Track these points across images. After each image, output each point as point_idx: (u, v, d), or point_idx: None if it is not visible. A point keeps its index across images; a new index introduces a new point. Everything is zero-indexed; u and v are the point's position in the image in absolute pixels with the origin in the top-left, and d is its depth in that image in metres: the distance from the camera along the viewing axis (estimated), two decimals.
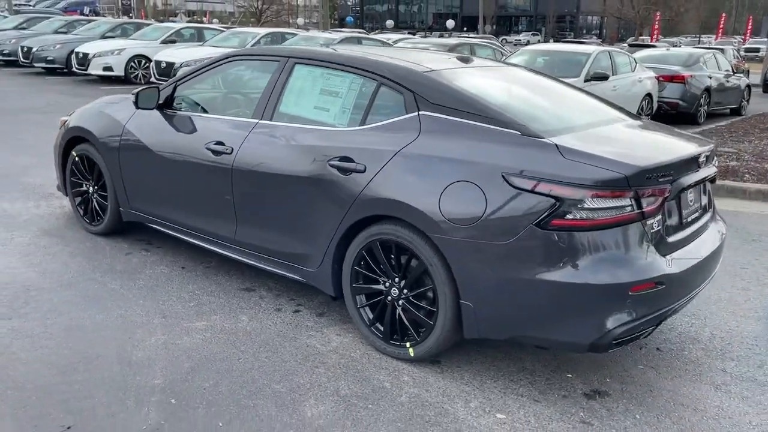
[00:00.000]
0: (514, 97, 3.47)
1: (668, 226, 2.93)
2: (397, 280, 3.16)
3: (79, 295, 3.81)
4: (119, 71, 14.84)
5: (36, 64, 16.23)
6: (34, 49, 16.07)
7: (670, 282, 2.79)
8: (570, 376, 3.16)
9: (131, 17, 49.14)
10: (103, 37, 16.71)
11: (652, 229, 2.81)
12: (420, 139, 3.09)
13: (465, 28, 59.55)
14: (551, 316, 2.78)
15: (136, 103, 4.11)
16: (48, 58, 15.96)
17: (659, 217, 2.84)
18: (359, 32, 23.60)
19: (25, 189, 5.95)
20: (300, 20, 48.72)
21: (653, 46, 19.52)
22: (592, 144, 2.92)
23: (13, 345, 3.20)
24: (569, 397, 2.98)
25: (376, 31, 45.26)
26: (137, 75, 15.14)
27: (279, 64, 3.75)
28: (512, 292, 2.80)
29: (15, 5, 40.02)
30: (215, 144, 3.77)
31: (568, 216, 2.67)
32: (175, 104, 4.20)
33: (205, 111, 4.13)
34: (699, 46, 29.18)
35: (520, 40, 58.70)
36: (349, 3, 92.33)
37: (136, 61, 15.07)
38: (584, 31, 76.36)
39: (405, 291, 3.14)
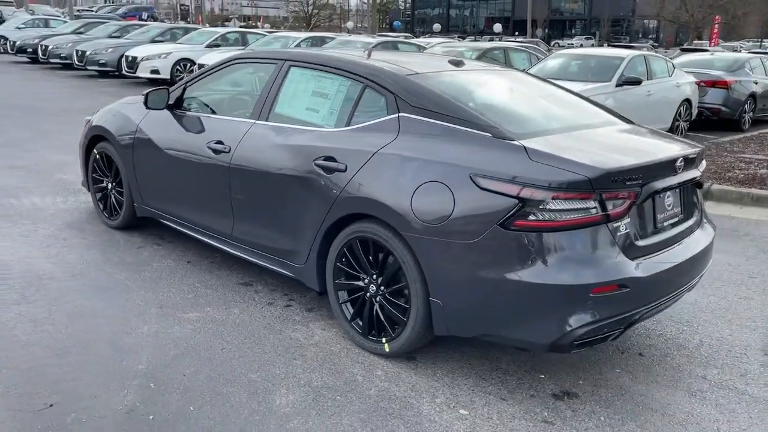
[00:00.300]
0: (495, 101, 3.52)
1: (639, 230, 2.94)
2: (374, 277, 3.25)
3: (87, 284, 4.03)
4: (165, 74, 15.36)
5: (89, 67, 16.95)
6: (87, 53, 16.79)
7: (635, 285, 2.80)
8: (543, 376, 3.19)
9: (188, 22, 50.64)
10: (153, 41, 17.33)
11: (619, 231, 2.82)
12: (398, 140, 3.17)
13: (516, 32, 58.99)
14: (514, 314, 2.83)
15: (145, 103, 4.32)
16: (100, 62, 16.64)
17: (627, 220, 2.85)
18: (395, 36, 23.72)
19: (57, 185, 6.28)
20: (350, 24, 49.18)
21: (706, 51, 18.98)
22: (564, 147, 2.95)
23: (17, 328, 3.42)
24: (537, 396, 3.01)
25: (426, 35, 45.39)
26: (182, 78, 15.64)
27: (276, 67, 3.89)
28: (477, 290, 2.86)
29: (78, 10, 41.76)
30: (216, 143, 3.94)
31: (531, 217, 2.72)
32: (184, 105, 4.40)
33: (211, 111, 4.31)
34: (757, 51, 28.17)
35: (572, 44, 57.81)
36: (401, 7, 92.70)
37: (181, 64, 15.56)
38: (640, 35, 74.65)
39: (382, 288, 3.23)
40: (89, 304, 3.75)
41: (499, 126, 3.02)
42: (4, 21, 29.60)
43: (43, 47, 18.71)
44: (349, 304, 3.42)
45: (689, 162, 3.22)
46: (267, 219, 3.71)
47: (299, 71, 3.79)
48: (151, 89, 4.37)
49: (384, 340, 3.24)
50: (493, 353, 3.36)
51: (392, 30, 53.45)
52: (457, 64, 3.82)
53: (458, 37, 45.21)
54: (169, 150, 4.30)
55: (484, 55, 11.46)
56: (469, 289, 2.88)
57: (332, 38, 14.73)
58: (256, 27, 46.24)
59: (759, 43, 48.46)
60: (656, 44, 55.46)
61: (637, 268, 2.83)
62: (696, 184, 3.38)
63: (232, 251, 4.03)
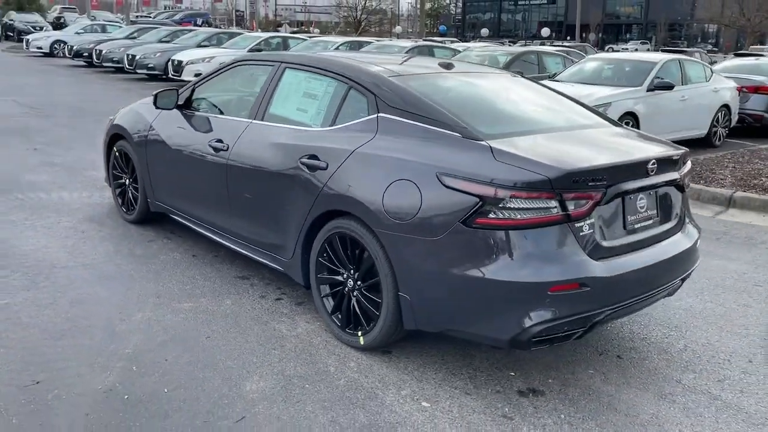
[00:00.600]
0: (474, 103, 3.58)
1: (606, 230, 2.95)
2: (352, 272, 3.35)
3: (95, 274, 4.26)
4: None
5: (138, 71, 17.59)
6: (137, 57, 17.43)
7: (597, 285, 2.82)
8: (513, 374, 3.23)
9: (242, 28, 51.74)
10: (199, 45, 17.87)
11: (582, 231, 2.84)
12: (375, 140, 3.27)
13: (568, 37, 58.13)
14: (476, 310, 2.88)
15: (154, 103, 4.53)
16: (149, 65, 17.26)
17: (591, 220, 2.87)
18: (441, 40, 23.70)
19: (86, 181, 6.60)
20: (398, 29, 49.45)
21: (762, 56, 18.35)
22: (532, 148, 3.00)
23: (22, 312, 3.66)
24: (502, 392, 3.06)
25: (475, 40, 45.21)
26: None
27: (273, 68, 4.04)
28: (442, 286, 2.93)
29: (137, 16, 43.27)
30: (216, 141, 4.12)
31: (491, 215, 2.77)
32: (193, 105, 4.60)
33: (218, 111, 4.49)
34: None
35: (626, 48, 56.58)
36: (452, 12, 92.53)
37: None
38: (698, 40, 72.43)
39: (358, 283, 3.32)
40: (93, 292, 3.97)
41: (469, 126, 3.09)
42: (66, 26, 31.01)
43: (98, 51, 19.52)
44: (330, 298, 3.53)
45: (666, 164, 3.22)
46: (259, 215, 3.86)
47: (293, 73, 3.94)
48: (160, 90, 4.58)
49: (359, 333, 3.33)
50: (468, 350, 3.42)
51: (438, 34, 53.46)
52: (447, 66, 3.90)
53: (508, 41, 44.91)
54: (177, 147, 4.50)
55: (516, 60, 11.42)
56: (434, 284, 2.96)
57: (370, 42, 14.92)
58: (307, 32, 47.00)
59: None
60: (715, 49, 53.72)
61: (600, 268, 2.85)
62: (677, 186, 3.36)
63: (231, 246, 4.20)
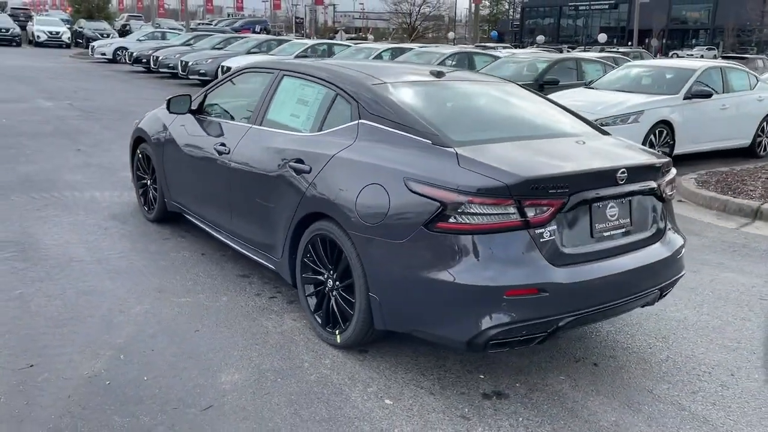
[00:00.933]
0: (454, 110, 3.65)
1: (570, 237, 2.98)
2: (331, 272, 3.48)
3: (108, 268, 4.52)
4: None
5: (191, 76, 18.23)
6: (189, 63, 18.08)
7: (556, 291, 2.85)
8: (482, 377, 3.28)
9: (302, 35, 52.80)
10: (249, 52, 18.39)
11: (543, 238, 2.88)
12: (353, 145, 3.39)
13: (630, 42, 56.73)
14: (436, 312, 2.96)
15: (167, 108, 4.78)
16: (200, 71, 17.86)
17: (553, 227, 2.91)
18: (485, 46, 23.61)
19: (118, 181, 6.95)
20: (451, 35, 49.44)
21: None
22: (499, 155, 3.06)
23: (32, 301, 3.93)
24: (467, 394, 3.12)
25: (532, 46, 44.72)
26: None
27: (273, 76, 4.22)
28: (406, 287, 3.02)
29: (198, 24, 44.67)
30: (220, 145, 4.32)
31: (451, 219, 2.85)
32: (205, 110, 4.83)
33: (225, 116, 4.70)
34: None
35: (692, 54, 54.84)
36: (510, 18, 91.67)
37: None
38: None
39: (337, 283, 3.45)
40: (101, 285, 4.22)
41: (440, 133, 3.17)
42: (131, 33, 32.33)
43: (154, 58, 20.33)
44: (313, 297, 3.66)
45: (641, 173, 3.22)
46: (254, 216, 4.03)
47: (289, 80, 4.10)
48: (173, 95, 4.83)
49: (337, 332, 3.45)
50: (442, 352, 3.48)
51: (490, 40, 53.11)
52: (437, 74, 3.98)
53: (567, 47, 44.22)
54: (187, 150, 4.74)
55: (553, 67, 11.33)
56: (399, 285, 3.05)
57: (411, 49, 15.05)
58: (363, 38, 47.52)
59: None
60: None
61: (560, 275, 2.89)
62: (656, 196, 3.35)
63: (232, 245, 4.39)
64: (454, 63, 13.61)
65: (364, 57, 15.03)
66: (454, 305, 2.89)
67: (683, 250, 3.54)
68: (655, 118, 8.66)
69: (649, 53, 29.68)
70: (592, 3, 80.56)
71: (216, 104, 4.79)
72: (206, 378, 3.17)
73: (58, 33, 35.08)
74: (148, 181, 5.54)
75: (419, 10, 52.22)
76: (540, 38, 40.70)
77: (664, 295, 3.53)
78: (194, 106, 4.84)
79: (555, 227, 2.92)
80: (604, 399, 3.12)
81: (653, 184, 3.29)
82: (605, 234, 3.12)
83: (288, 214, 3.67)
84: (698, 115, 9.11)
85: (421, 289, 2.96)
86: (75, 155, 8.28)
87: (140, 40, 25.65)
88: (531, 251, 2.86)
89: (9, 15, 39.39)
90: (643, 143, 8.58)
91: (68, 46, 35.11)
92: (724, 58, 26.85)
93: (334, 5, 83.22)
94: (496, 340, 2.86)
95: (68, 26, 37.23)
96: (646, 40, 58.80)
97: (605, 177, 3.06)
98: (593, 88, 9.96)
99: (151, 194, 5.54)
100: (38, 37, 34.90)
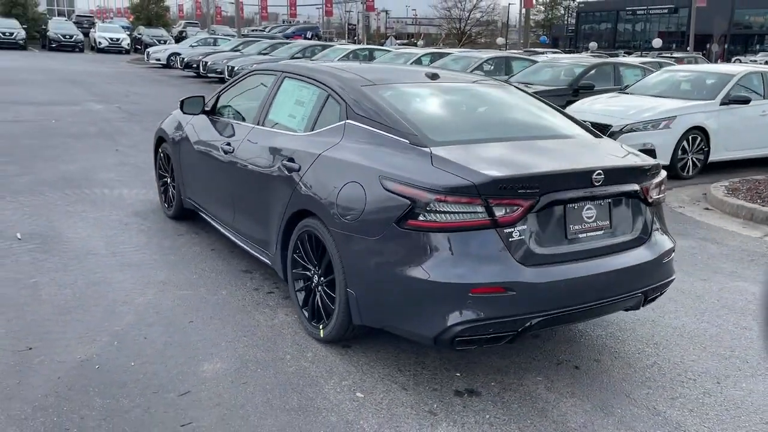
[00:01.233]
0: (438, 112, 3.70)
1: (542, 238, 2.99)
2: (317, 268, 3.57)
3: (120, 261, 4.73)
4: None
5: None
6: (235, 68, 18.52)
7: (524, 290, 2.87)
8: (458, 375, 3.31)
9: (355, 41, 53.38)
10: (292, 57, 18.72)
11: (512, 237, 2.90)
12: (339, 144, 3.48)
13: (688, 48, 55.12)
14: (406, 308, 3.02)
15: (181, 109, 4.97)
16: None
17: (523, 227, 2.92)
18: (534, 51, 23.37)
19: (147, 180, 7.22)
20: (500, 40, 49.09)
21: None
22: (474, 155, 3.10)
23: (44, 290, 4.16)
24: (439, 391, 3.16)
25: (586, 52, 43.88)
26: None
27: (275, 78, 4.36)
28: (379, 283, 3.09)
29: (252, 30, 45.66)
30: (226, 144, 4.48)
31: (420, 217, 2.90)
32: (217, 110, 5.00)
33: (233, 116, 4.86)
34: None
35: (755, 60, 52.90)
36: (565, 23, 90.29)
37: None
38: None
39: (321, 278, 3.54)
40: (111, 277, 4.43)
41: (419, 134, 3.22)
42: (187, 39, 33.33)
43: (204, 63, 20.93)
44: (301, 292, 3.76)
45: (621, 176, 3.20)
46: (252, 212, 4.17)
47: (289, 82, 4.22)
48: (187, 96, 5.02)
49: (320, 326, 3.54)
50: (424, 350, 3.52)
51: (540, 45, 52.46)
52: (432, 77, 4.02)
53: (623, 53, 43.27)
54: (199, 149, 4.92)
55: (589, 72, 11.17)
56: (373, 281, 3.12)
57: (449, 53, 15.07)
58: (415, 44, 47.69)
59: None
60: None
61: (529, 274, 2.90)
62: (641, 199, 3.32)
63: (235, 240, 4.54)
64: (491, 68, 13.57)
65: (404, 61, 15.12)
66: (422, 301, 2.94)
67: (672, 255, 3.49)
68: (688, 124, 8.46)
69: (704, 59, 28.78)
70: (650, 7, 78.54)
71: (226, 105, 4.96)
72: (190, 366, 3.30)
73: (118, 39, 36.47)
74: (168, 180, 5.76)
75: (469, 16, 52.07)
76: (592, 45, 39.83)
77: (652, 300, 3.48)
78: (208, 107, 5.02)
79: (525, 227, 2.93)
80: (577, 401, 3.11)
81: (636, 187, 3.26)
82: (581, 235, 3.11)
83: (280, 211, 3.78)
84: (736, 122, 8.84)
85: (392, 285, 3.03)
86: (113, 155, 8.64)
87: (193, 46, 26.43)
88: (499, 250, 2.89)
89: (74, 22, 41.12)
90: (675, 150, 8.41)
91: (127, 52, 36.45)
92: None
93: (386, 11, 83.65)
94: (462, 336, 2.89)
95: (128, 33, 38.67)
96: (707, 46, 56.98)
97: (579, 178, 3.06)
98: (628, 93, 9.78)
99: (170, 192, 5.76)
100: (99, 43, 36.37)
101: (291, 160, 3.72)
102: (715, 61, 35.32)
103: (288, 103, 4.18)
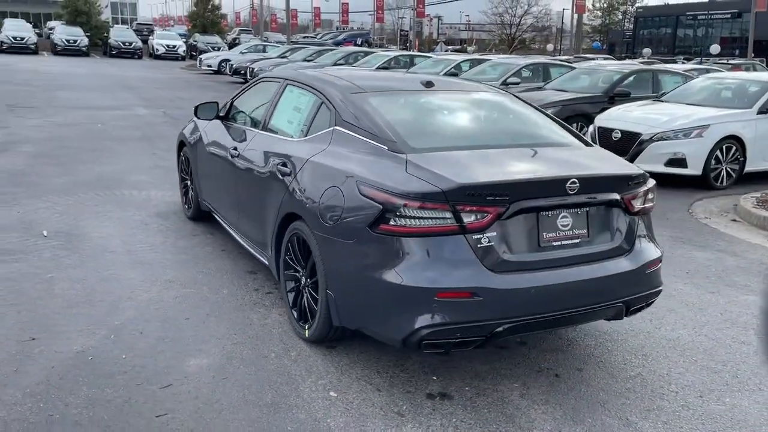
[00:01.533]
0: (424, 119, 3.76)
1: (513, 245, 3.01)
2: (304, 270, 3.67)
3: (133, 259, 4.95)
4: None
5: None
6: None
7: (491, 296, 2.90)
8: (435, 378, 3.36)
9: (407, 47, 53.67)
10: (335, 63, 18.99)
11: (481, 243, 2.94)
12: (326, 150, 3.58)
13: (753, 54, 53.09)
14: (377, 310, 3.09)
15: (195, 114, 5.17)
16: None
17: (492, 233, 2.95)
18: (584, 57, 22.99)
19: (175, 182, 7.45)
20: (549, 46, 48.43)
21: None
22: (447, 161, 3.14)
23: (58, 285, 4.39)
24: (412, 393, 3.21)
25: (640, 58, 42.85)
26: None
27: (279, 85, 4.50)
28: (354, 285, 3.17)
29: (304, 36, 46.38)
30: (233, 149, 4.65)
31: (391, 222, 2.97)
32: (230, 116, 5.18)
33: (242, 122, 5.02)
34: None
35: None
36: (622, 28, 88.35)
37: None
38: None
39: (307, 280, 3.64)
40: (122, 274, 4.64)
41: (399, 141, 3.29)
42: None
43: (250, 69, 21.41)
44: (292, 293, 3.87)
45: (597, 185, 3.19)
46: (252, 214, 4.32)
47: (290, 89, 4.35)
48: (202, 102, 5.22)
49: (306, 326, 3.64)
50: (406, 353, 3.57)
51: (592, 51, 51.55)
52: (427, 84, 4.08)
53: (682, 59, 42.02)
54: (212, 153, 5.11)
55: (627, 79, 10.96)
56: (348, 284, 3.20)
57: (488, 60, 15.02)
58: (465, 51, 47.57)
59: None
60: None
61: (497, 281, 2.93)
62: (623, 209, 3.29)
63: (240, 241, 4.70)
64: (529, 74, 13.47)
65: (443, 67, 15.15)
66: (391, 304, 3.00)
67: (658, 265, 3.45)
68: (722, 133, 8.23)
69: (763, 66, 27.69)
70: (711, 12, 76.10)
71: (237, 111, 5.13)
72: (177, 360, 3.44)
73: (174, 46, 37.65)
74: (188, 182, 5.98)
75: (520, 21, 51.61)
76: (646, 51, 38.75)
77: (635, 311, 3.45)
78: (222, 113, 5.20)
79: (495, 234, 2.96)
80: (548, 409, 3.11)
81: (616, 197, 3.24)
82: (555, 243, 3.12)
83: (274, 214, 3.91)
84: None
85: (364, 288, 3.10)
86: (149, 158, 8.98)
87: (243, 53, 27.07)
88: (467, 256, 2.92)
89: (134, 30, 42.68)
90: (708, 159, 8.19)
91: (183, 58, 37.56)
92: None
93: (439, 18, 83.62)
94: (429, 340, 2.94)
95: (184, 40, 39.84)
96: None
97: (552, 186, 3.06)
98: (663, 101, 9.58)
99: (190, 194, 5.97)
100: (157, 50, 37.62)
101: (284, 164, 3.84)
102: None
103: (288, 109, 4.30)
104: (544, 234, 3.09)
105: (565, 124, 4.00)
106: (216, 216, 5.33)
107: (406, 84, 4.17)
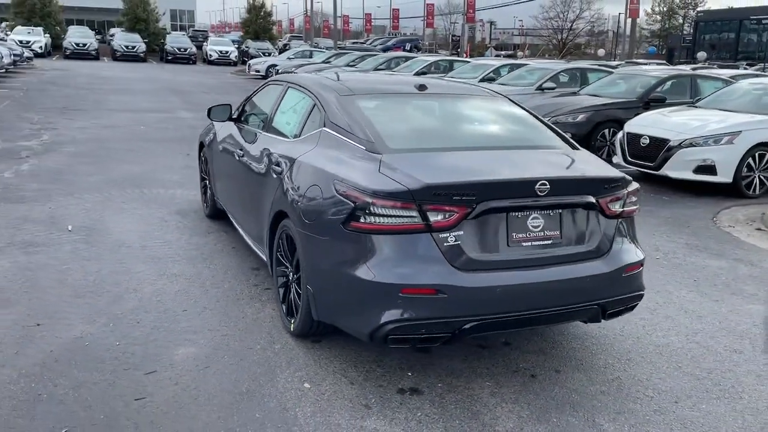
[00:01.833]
0: (405, 121, 3.83)
1: (480, 244, 3.06)
2: (291, 265, 3.80)
3: (146, 254, 5.18)
4: None
5: None
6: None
7: (456, 294, 2.95)
8: (410, 374, 3.42)
9: (457, 52, 53.63)
10: (375, 69, 19.18)
11: (447, 242, 3.00)
12: (313, 150, 3.70)
13: None
14: (347, 305, 3.18)
15: (208, 116, 5.38)
16: None
17: (459, 232, 3.01)
18: (636, 63, 22.50)
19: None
20: (601, 51, 47.51)
21: None
22: (420, 162, 3.22)
23: (72, 276, 4.65)
24: (383, 387, 3.28)
25: (697, 63, 41.52)
26: None
27: (282, 88, 4.65)
28: (328, 281, 3.27)
29: (354, 42, 46.85)
30: (239, 149, 4.82)
31: (362, 219, 3.06)
32: (242, 118, 5.37)
33: (251, 123, 5.20)
34: None
35: None
36: (683, 33, 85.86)
37: None
38: None
39: (294, 276, 3.76)
40: (133, 267, 4.86)
41: (377, 142, 3.38)
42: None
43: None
44: (282, 288, 4.00)
45: (570, 187, 3.20)
46: (252, 212, 4.47)
47: (291, 91, 4.50)
48: (215, 105, 5.42)
49: (292, 320, 3.76)
50: (388, 350, 3.63)
51: (647, 56, 50.29)
52: (420, 87, 4.15)
53: (745, 65, 40.55)
54: (223, 154, 5.30)
55: (663, 84, 10.74)
56: (324, 279, 3.31)
57: (526, 65, 14.92)
58: (514, 56, 47.17)
59: None
60: None
61: (462, 279, 2.98)
62: (601, 211, 3.30)
63: (245, 238, 4.86)
64: (566, 79, 13.34)
65: (482, 72, 15.12)
66: (359, 299, 3.09)
67: (638, 269, 3.43)
68: (755, 139, 7.99)
69: None
70: None
71: (247, 113, 5.31)
72: (166, 349, 3.61)
73: (226, 52, 38.60)
74: (207, 181, 6.20)
75: (571, 26, 50.86)
76: (701, 55, 37.45)
77: (614, 314, 3.44)
78: (235, 115, 5.39)
79: (462, 233, 3.02)
80: (515, 407, 3.14)
81: (591, 199, 3.25)
82: (525, 244, 3.15)
83: (267, 212, 4.05)
84: None
85: (338, 283, 3.20)
86: (182, 159, 9.30)
87: (290, 58, 27.61)
88: (432, 253, 2.99)
89: (189, 36, 43.98)
90: (739, 167, 7.97)
91: (235, 64, 38.47)
92: None
93: (492, 22, 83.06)
94: (394, 335, 3.01)
95: (236, 46, 40.79)
96: None
97: (521, 188, 3.10)
98: (697, 107, 9.36)
99: (208, 193, 6.19)
100: (210, 55, 38.65)
101: (278, 164, 3.98)
102: None
103: (287, 111, 4.45)
104: (514, 234, 3.12)
105: (556, 128, 4.01)
106: (228, 213, 5.52)
107: (399, 87, 4.26)
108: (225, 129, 5.41)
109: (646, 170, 8.52)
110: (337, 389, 3.25)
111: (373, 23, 69.49)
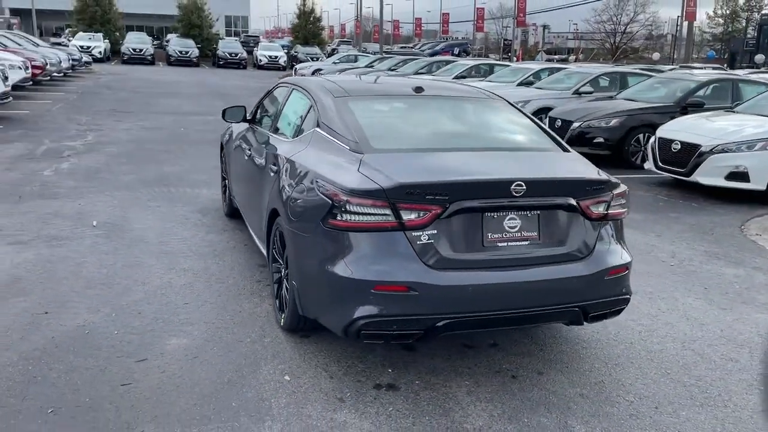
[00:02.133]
0: (392, 122, 3.88)
1: (453, 243, 3.08)
2: (282, 261, 3.90)
3: (160, 249, 5.37)
4: None
5: None
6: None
7: (428, 292, 2.99)
8: (390, 371, 3.47)
9: (508, 56, 53.25)
10: (416, 72, 19.22)
11: (420, 240, 3.04)
12: (304, 150, 3.80)
13: None
14: (325, 301, 3.25)
15: (223, 117, 5.54)
16: None
17: (432, 231, 3.05)
18: (692, 67, 21.83)
19: None
20: (656, 55, 46.28)
21: None
22: (400, 162, 3.27)
23: (86, 268, 4.87)
24: (362, 382, 3.34)
25: (758, 67, 40.06)
26: None
27: (287, 90, 4.77)
28: (308, 276, 3.36)
29: (401, 47, 46.98)
30: (248, 149, 4.97)
31: (338, 217, 3.13)
32: (256, 119, 5.52)
33: (263, 125, 5.33)
34: None
35: None
36: (746, 36, 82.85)
37: None
38: None
39: (285, 272, 3.86)
40: (146, 262, 5.06)
41: (361, 142, 3.45)
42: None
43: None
44: (276, 284, 4.10)
45: (549, 189, 3.20)
46: (255, 210, 4.60)
47: (294, 93, 4.61)
48: (229, 106, 5.59)
49: (282, 315, 3.86)
50: (373, 347, 3.69)
51: (706, 60, 48.75)
52: (417, 89, 4.20)
53: None
54: (235, 154, 5.47)
55: (703, 88, 10.46)
56: (306, 275, 3.39)
57: (565, 68, 14.73)
58: (566, 60, 46.51)
59: None
60: None
61: (434, 277, 3.02)
62: (582, 213, 3.28)
63: (252, 235, 5.00)
64: (606, 83, 13.12)
65: (521, 75, 14.98)
66: (335, 295, 3.16)
67: (623, 272, 3.39)
68: None
69: None
70: None
71: (259, 114, 5.46)
72: (160, 339, 3.76)
73: (276, 57, 39.32)
74: (227, 181, 6.39)
75: (625, 30, 49.76)
76: (759, 58, 36.04)
77: (596, 317, 3.41)
78: (250, 116, 5.55)
79: (435, 231, 3.05)
80: (488, 406, 3.15)
81: (571, 201, 3.23)
82: (501, 244, 3.16)
83: (265, 209, 4.17)
84: None
85: (317, 279, 3.28)
86: (214, 160, 9.46)
87: (335, 63, 27.88)
88: (405, 251, 3.04)
89: (241, 42, 44.94)
90: None
91: (284, 68, 39.11)
92: None
93: (545, 26, 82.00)
94: (366, 330, 3.07)
95: (286, 51, 41.50)
96: None
97: (496, 188, 3.11)
98: (735, 112, 9.09)
99: (227, 192, 6.38)
100: (260, 60, 39.43)
101: (275, 163, 4.09)
102: None
103: (290, 112, 4.57)
104: (489, 234, 3.14)
105: (550, 131, 4.00)
106: (240, 211, 5.67)
107: (395, 89, 4.32)
108: (238, 130, 5.58)
109: (677, 176, 8.33)
110: (316, 382, 3.33)
111: (423, 28, 69.54)
